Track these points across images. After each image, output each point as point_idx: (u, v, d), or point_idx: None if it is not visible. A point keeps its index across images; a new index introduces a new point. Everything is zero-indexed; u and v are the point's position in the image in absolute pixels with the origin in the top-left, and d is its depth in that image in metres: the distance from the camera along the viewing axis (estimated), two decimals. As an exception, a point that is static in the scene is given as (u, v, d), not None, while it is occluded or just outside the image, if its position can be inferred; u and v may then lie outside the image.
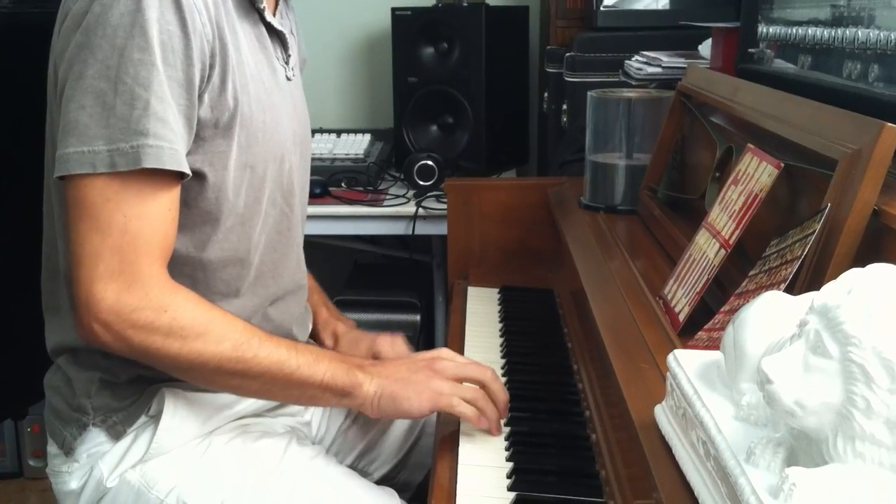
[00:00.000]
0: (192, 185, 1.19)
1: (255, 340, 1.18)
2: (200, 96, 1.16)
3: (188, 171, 1.15)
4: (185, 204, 1.20)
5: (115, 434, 1.26)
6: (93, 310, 1.11)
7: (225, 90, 1.18)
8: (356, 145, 2.71)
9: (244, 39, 1.24)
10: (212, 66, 1.16)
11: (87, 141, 1.09)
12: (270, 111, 1.27)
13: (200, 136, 1.18)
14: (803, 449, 0.67)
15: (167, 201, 1.14)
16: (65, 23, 1.16)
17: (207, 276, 1.26)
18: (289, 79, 1.36)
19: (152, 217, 1.13)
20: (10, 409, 1.77)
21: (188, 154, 1.16)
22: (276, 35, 1.34)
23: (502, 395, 1.27)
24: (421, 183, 2.47)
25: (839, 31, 1.21)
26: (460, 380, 1.26)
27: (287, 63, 1.36)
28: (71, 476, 1.28)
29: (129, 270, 1.11)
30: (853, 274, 0.64)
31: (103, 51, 1.09)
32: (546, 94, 2.63)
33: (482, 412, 1.23)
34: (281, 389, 1.22)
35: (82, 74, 1.10)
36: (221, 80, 1.18)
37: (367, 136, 2.75)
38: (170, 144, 1.11)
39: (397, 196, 2.50)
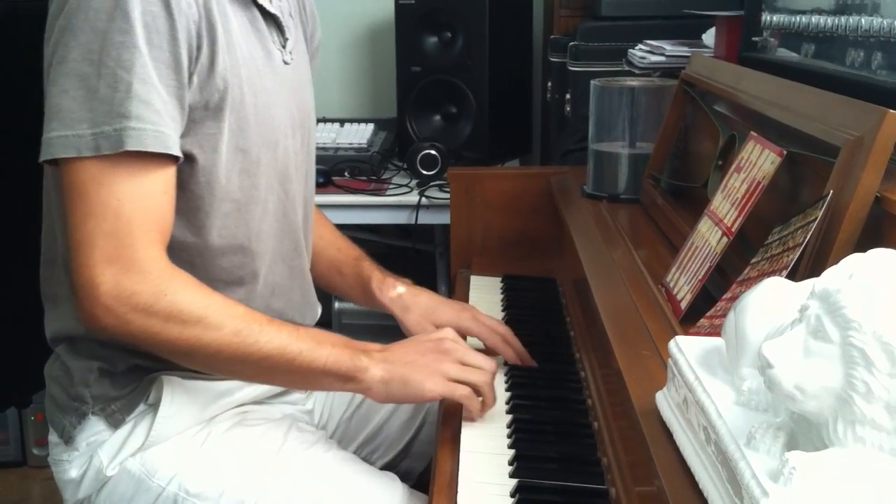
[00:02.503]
0: (182, 167, 1.19)
1: (256, 326, 1.17)
2: (190, 77, 1.16)
3: (177, 153, 1.14)
4: (178, 186, 1.20)
5: (114, 422, 1.26)
6: (92, 294, 1.11)
7: (214, 72, 1.18)
8: (359, 135, 2.71)
9: (235, 22, 1.24)
10: (199, 47, 1.16)
11: (71, 125, 1.10)
12: (263, 95, 1.27)
13: (190, 118, 1.17)
14: (803, 433, 0.67)
15: (161, 183, 1.14)
16: (51, 8, 1.16)
17: (206, 263, 1.26)
18: (286, 62, 1.35)
19: (146, 199, 1.13)
20: (13, 398, 1.77)
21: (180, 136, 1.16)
22: (271, 18, 1.33)
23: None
24: (424, 172, 2.47)
25: (842, 19, 1.21)
26: (466, 363, 1.24)
27: (284, 47, 1.35)
28: (71, 464, 1.29)
29: (125, 254, 1.11)
30: (854, 259, 0.64)
31: (85, 34, 1.09)
32: (549, 84, 2.63)
33: (485, 397, 1.23)
34: (283, 375, 1.21)
35: (65, 58, 1.10)
36: (210, 61, 1.18)
37: (371, 126, 2.76)
38: (153, 127, 1.10)
39: (400, 185, 2.50)
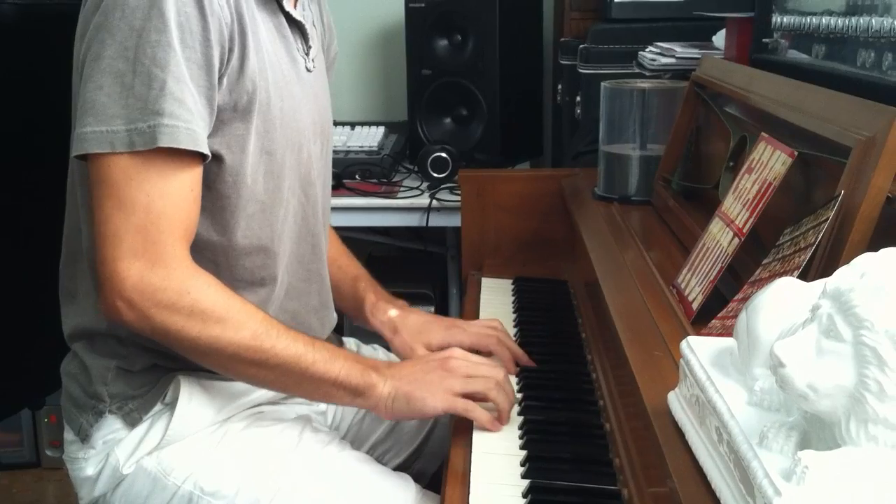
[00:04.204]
0: (210, 166, 1.21)
1: (274, 332, 1.19)
2: (220, 79, 1.17)
3: (207, 152, 1.16)
4: (205, 185, 1.21)
5: (131, 421, 1.27)
6: (117, 287, 1.13)
7: (244, 74, 1.20)
8: (370, 138, 2.72)
9: (263, 27, 1.26)
10: (230, 50, 1.18)
11: (106, 120, 1.11)
12: (289, 99, 1.29)
13: (219, 118, 1.19)
14: (816, 433, 0.68)
15: (189, 181, 1.16)
16: (85, 7, 1.18)
17: (231, 263, 1.28)
18: (309, 70, 1.37)
19: (174, 196, 1.14)
20: (27, 399, 1.78)
21: (208, 136, 1.18)
22: (296, 26, 1.35)
23: (511, 395, 1.27)
24: (435, 175, 2.47)
25: (853, 19, 1.21)
26: (471, 375, 1.26)
27: (307, 54, 1.37)
28: (87, 462, 1.29)
29: (152, 249, 1.13)
30: (866, 258, 0.65)
31: (122, 32, 1.11)
32: (560, 86, 2.63)
33: (494, 401, 1.24)
34: (295, 383, 1.23)
35: (100, 55, 1.12)
36: (240, 63, 1.20)
37: (382, 129, 2.76)
38: (186, 124, 1.12)
39: (411, 188, 2.50)
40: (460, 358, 1.28)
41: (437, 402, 1.23)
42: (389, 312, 1.55)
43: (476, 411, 1.23)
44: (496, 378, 1.26)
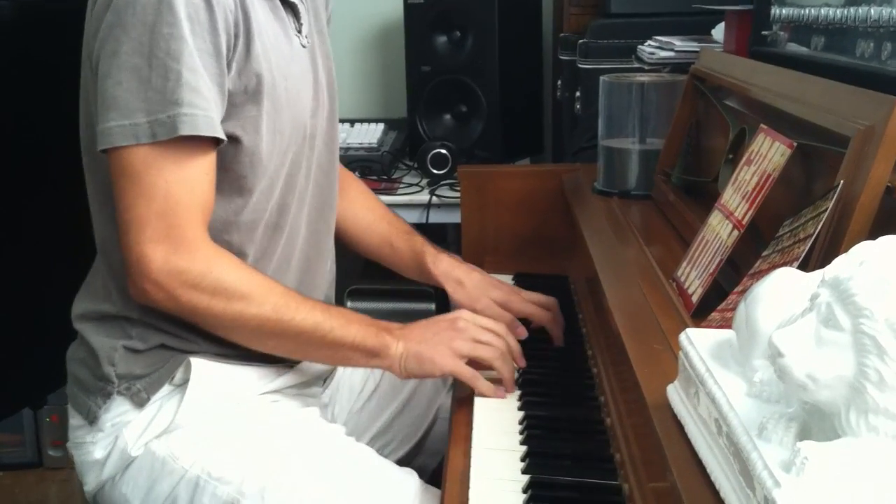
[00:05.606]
0: (227, 149, 1.25)
1: (293, 304, 1.25)
2: (229, 64, 1.22)
3: (223, 136, 1.21)
4: (222, 167, 1.26)
5: (139, 402, 1.29)
6: (144, 270, 1.19)
7: (250, 57, 1.24)
8: (370, 135, 2.72)
9: (261, 12, 1.29)
10: (236, 35, 1.22)
11: (128, 114, 1.16)
12: (291, 79, 1.32)
13: (232, 102, 1.24)
14: (816, 423, 0.67)
15: (205, 166, 1.21)
16: (96, 5, 1.22)
17: (243, 241, 1.32)
18: (304, 46, 1.40)
19: (191, 181, 1.20)
20: (28, 398, 1.78)
21: (223, 120, 1.22)
22: (289, 6, 1.38)
23: (516, 347, 1.35)
24: (434, 171, 2.47)
25: (852, 10, 1.20)
26: (478, 340, 1.31)
27: (300, 32, 1.40)
28: (95, 446, 1.31)
29: (174, 234, 1.19)
30: (865, 246, 0.64)
31: (135, 28, 1.16)
32: (560, 82, 2.63)
33: (498, 371, 1.30)
34: (315, 349, 1.30)
35: (116, 52, 1.17)
36: (246, 48, 1.24)
37: (381, 126, 2.76)
38: (203, 112, 1.17)
39: (411, 185, 2.51)
40: (468, 319, 1.33)
41: (445, 362, 1.29)
42: (452, 265, 1.59)
43: (480, 383, 1.29)
44: (501, 348, 1.31)
